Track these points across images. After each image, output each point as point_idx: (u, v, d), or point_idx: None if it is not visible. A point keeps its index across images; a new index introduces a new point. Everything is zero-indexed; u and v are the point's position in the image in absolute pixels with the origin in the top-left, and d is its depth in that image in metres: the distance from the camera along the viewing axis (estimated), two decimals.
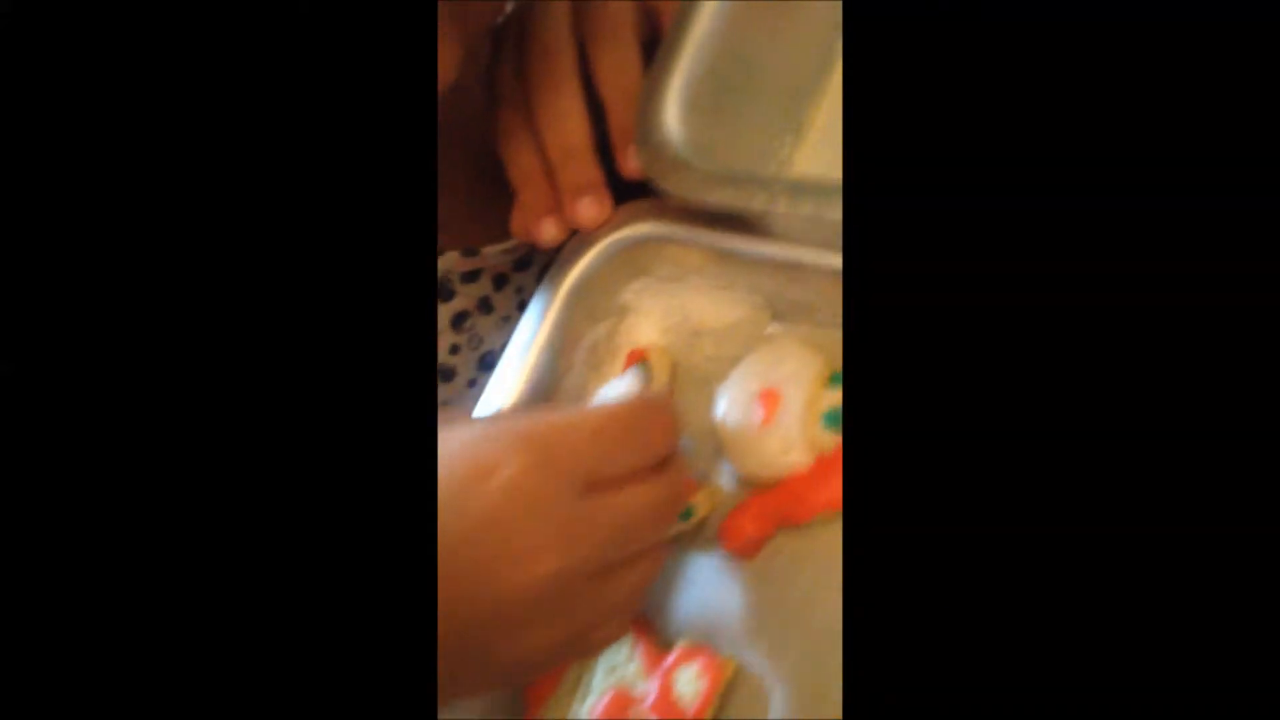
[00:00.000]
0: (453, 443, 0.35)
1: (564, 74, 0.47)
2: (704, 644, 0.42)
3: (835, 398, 0.42)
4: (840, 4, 0.46)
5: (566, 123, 0.47)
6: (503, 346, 0.49)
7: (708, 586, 0.44)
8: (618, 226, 0.47)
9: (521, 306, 0.58)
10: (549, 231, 0.48)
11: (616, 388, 0.45)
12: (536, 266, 0.59)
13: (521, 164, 0.48)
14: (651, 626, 0.44)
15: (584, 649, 0.40)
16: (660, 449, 0.39)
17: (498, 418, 0.38)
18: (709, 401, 0.45)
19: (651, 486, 0.38)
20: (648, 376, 0.46)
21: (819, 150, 0.47)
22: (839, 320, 0.44)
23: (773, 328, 0.46)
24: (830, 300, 0.44)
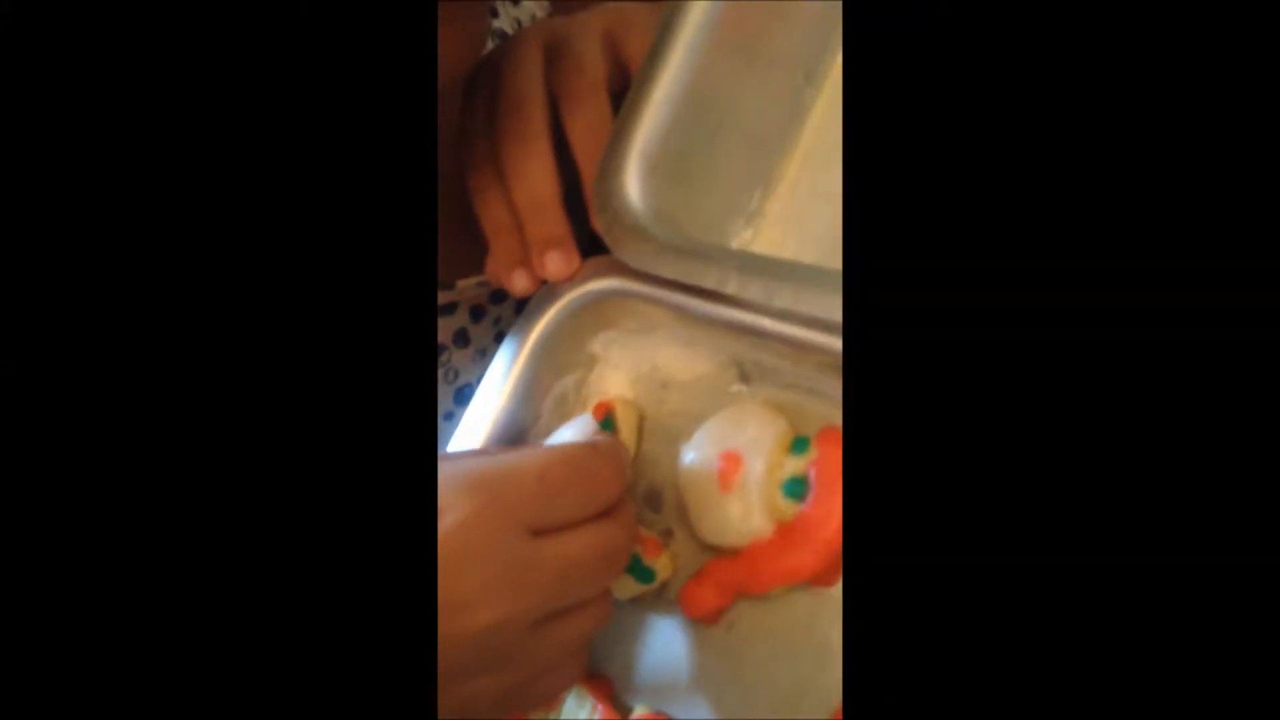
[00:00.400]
0: None
1: (534, 128, 0.47)
2: (661, 710, 0.42)
3: (797, 465, 0.42)
4: (807, 57, 0.45)
5: (534, 176, 0.46)
6: (478, 380, 0.49)
7: (667, 651, 0.44)
8: (583, 281, 0.47)
9: (499, 338, 0.58)
10: (520, 283, 0.48)
11: (565, 434, 0.44)
12: (514, 298, 0.59)
13: (493, 217, 0.48)
14: (611, 689, 0.44)
15: (532, 697, 0.40)
16: (607, 494, 0.39)
17: (445, 459, 0.37)
18: (675, 455, 0.45)
19: (598, 531, 0.38)
20: (598, 424, 0.46)
21: (788, 203, 0.46)
22: (802, 384, 0.43)
23: (738, 386, 0.45)
24: (792, 365, 0.43)
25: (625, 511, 0.40)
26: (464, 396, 0.58)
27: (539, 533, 0.36)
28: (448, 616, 0.34)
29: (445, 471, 0.36)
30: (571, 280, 0.47)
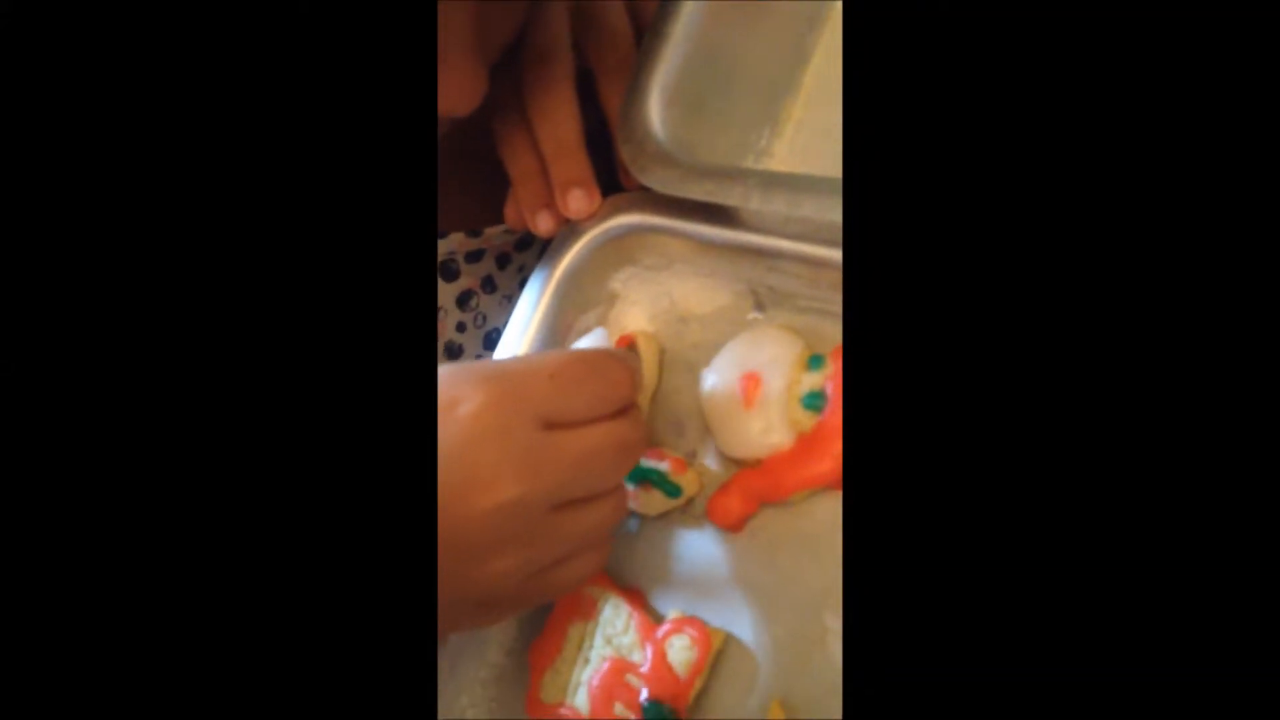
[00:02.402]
0: None
1: (559, 77, 0.49)
2: (695, 615, 0.45)
3: (814, 380, 0.44)
4: (808, 6, 0.49)
5: (560, 121, 0.49)
6: (505, 324, 0.51)
7: (696, 560, 0.46)
8: (605, 217, 0.50)
9: (522, 285, 0.60)
10: (545, 224, 0.50)
11: (583, 344, 0.47)
12: (537, 246, 0.61)
13: (519, 162, 0.51)
14: (645, 598, 0.47)
15: (558, 581, 0.41)
16: (619, 394, 0.41)
17: (463, 362, 0.39)
18: (696, 384, 0.47)
19: (610, 428, 0.40)
20: (608, 336, 0.49)
21: (794, 141, 0.49)
22: (816, 306, 0.46)
23: (754, 314, 0.48)
24: (808, 287, 0.46)
25: (635, 414, 0.42)
26: (492, 341, 0.60)
27: (552, 425, 0.39)
28: (469, 494, 0.36)
29: (462, 369, 0.38)
30: (593, 218, 0.50)
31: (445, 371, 0.38)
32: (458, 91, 0.44)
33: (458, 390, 0.37)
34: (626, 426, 0.41)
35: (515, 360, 0.40)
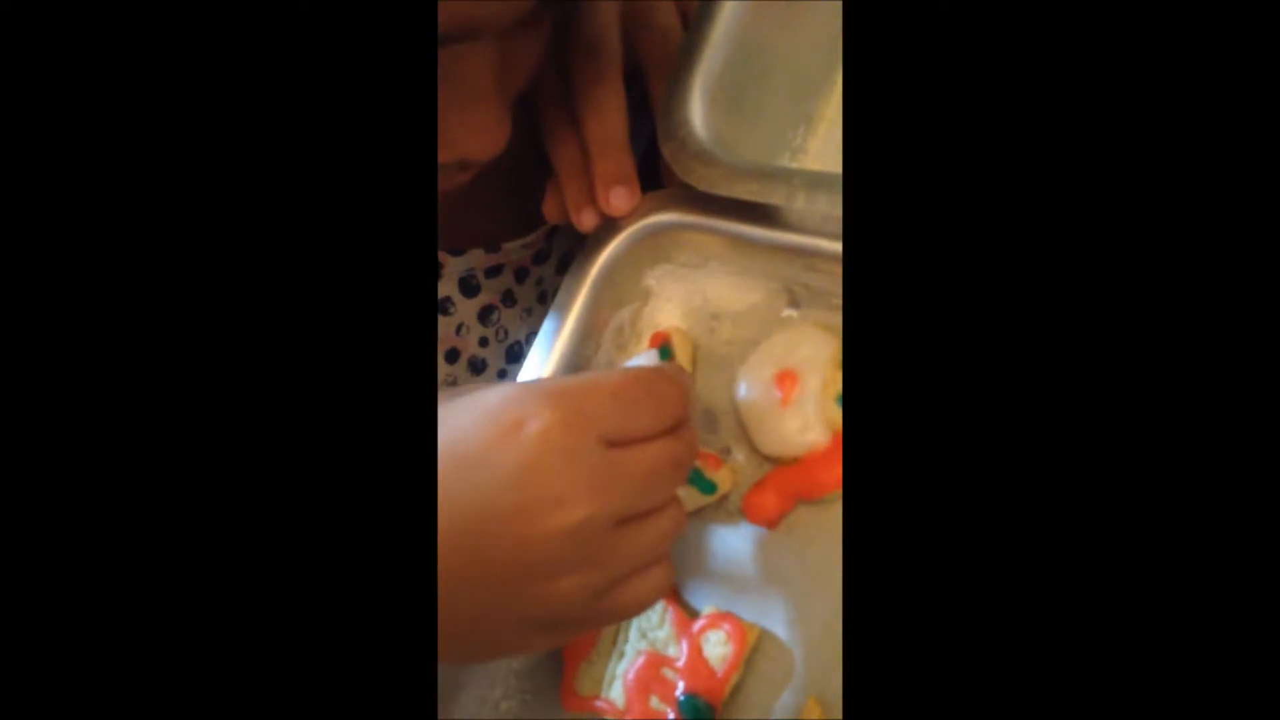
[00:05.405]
0: (484, 402, 0.37)
1: (609, 71, 0.49)
2: (730, 611, 0.45)
3: None
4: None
5: (610, 116, 0.49)
6: (527, 338, 0.51)
7: (732, 556, 0.46)
8: (642, 214, 0.50)
9: (541, 298, 0.61)
10: (589, 220, 0.50)
11: (636, 363, 0.47)
12: (555, 259, 0.62)
13: (566, 157, 0.51)
14: (680, 594, 0.47)
15: (626, 600, 0.41)
16: (673, 413, 0.41)
17: (523, 381, 0.39)
18: (730, 382, 0.48)
19: (667, 444, 0.40)
20: (666, 355, 0.49)
21: (828, 139, 0.50)
22: None
23: (788, 312, 0.48)
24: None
25: (689, 429, 0.42)
26: (514, 354, 0.61)
27: (614, 443, 0.38)
28: (539, 514, 0.36)
29: (525, 389, 0.38)
30: (631, 215, 0.50)
31: (507, 391, 0.38)
32: (486, 136, 0.44)
33: (523, 409, 0.37)
34: (679, 444, 0.41)
35: (576, 379, 0.40)
